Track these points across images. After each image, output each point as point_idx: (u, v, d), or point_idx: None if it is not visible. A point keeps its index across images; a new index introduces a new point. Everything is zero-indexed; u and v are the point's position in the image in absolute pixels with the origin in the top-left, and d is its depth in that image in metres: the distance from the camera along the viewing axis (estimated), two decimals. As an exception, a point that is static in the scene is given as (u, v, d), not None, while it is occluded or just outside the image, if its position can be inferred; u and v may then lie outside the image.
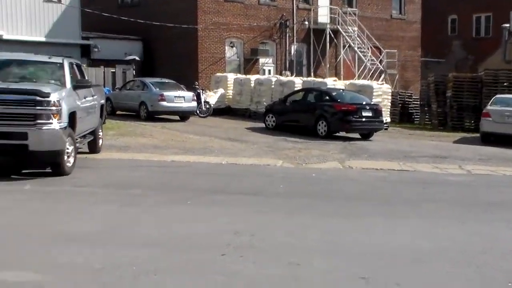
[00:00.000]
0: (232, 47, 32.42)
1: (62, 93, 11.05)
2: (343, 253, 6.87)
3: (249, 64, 32.94)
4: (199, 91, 25.86)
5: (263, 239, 7.35)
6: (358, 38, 35.07)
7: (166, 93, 23.64)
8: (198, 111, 25.46)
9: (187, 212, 8.82)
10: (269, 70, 33.84)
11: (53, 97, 10.54)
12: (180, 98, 23.93)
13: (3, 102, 10.34)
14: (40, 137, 10.38)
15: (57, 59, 12.66)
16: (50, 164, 11.13)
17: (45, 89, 10.73)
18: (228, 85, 28.26)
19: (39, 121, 10.38)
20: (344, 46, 35.06)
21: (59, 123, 10.59)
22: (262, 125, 22.57)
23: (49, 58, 12.91)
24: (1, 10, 29.48)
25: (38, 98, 10.39)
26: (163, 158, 14.12)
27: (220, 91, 27.95)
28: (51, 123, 10.47)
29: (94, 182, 10.89)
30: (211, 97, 27.24)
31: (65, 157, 10.97)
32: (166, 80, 25.56)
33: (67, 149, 10.98)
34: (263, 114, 23.20)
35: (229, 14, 31.68)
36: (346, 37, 34.71)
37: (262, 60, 33.49)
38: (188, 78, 27.97)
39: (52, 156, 10.76)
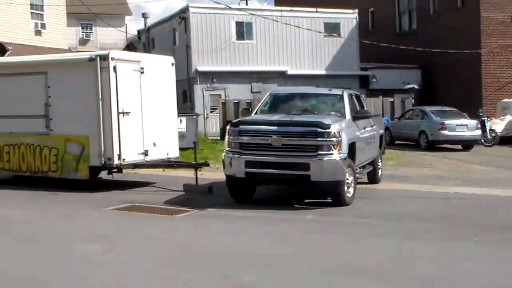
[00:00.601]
0: (520, 70, 30.09)
1: (342, 124, 11.13)
2: None
3: (541, 87, 30.22)
4: (483, 118, 24.42)
5: None
6: None
7: (447, 122, 22.83)
8: (482, 140, 24.03)
9: (472, 249, 8.11)
10: None
11: (334, 128, 10.64)
12: (462, 126, 22.91)
13: (287, 134, 10.72)
14: (321, 167, 10.52)
15: (337, 91, 12.84)
16: (331, 194, 11.24)
17: (326, 120, 10.90)
18: (517, 111, 26.24)
19: (320, 152, 10.54)
20: None
21: (339, 153, 10.64)
22: (558, 154, 20.39)
23: (329, 90, 13.19)
24: (286, 48, 31.40)
25: (319, 129, 10.58)
26: (445, 189, 13.41)
27: (508, 118, 26.01)
28: (332, 154, 10.56)
29: (374, 213, 10.70)
30: (498, 125, 25.52)
31: (345, 188, 10.97)
32: (447, 108, 24.66)
33: (347, 179, 10.97)
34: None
35: (517, 35, 29.51)
36: None
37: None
38: (471, 105, 26.58)
39: (333, 186, 10.84)
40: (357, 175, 11.75)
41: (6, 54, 22.36)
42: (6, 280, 6.55)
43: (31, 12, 29.27)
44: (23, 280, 6.56)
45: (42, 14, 29.76)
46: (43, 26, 29.53)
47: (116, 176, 14.02)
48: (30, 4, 29.17)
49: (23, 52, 21.18)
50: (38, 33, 29.32)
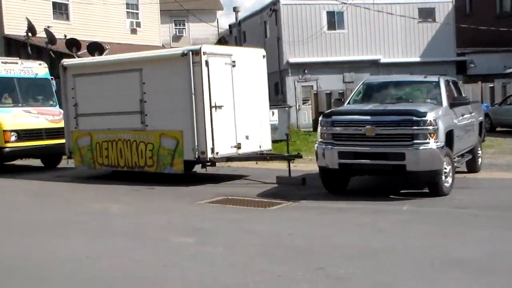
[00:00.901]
0: None
1: (439, 112, 10.75)
2: None
3: None
4: None
5: None
6: None
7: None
8: None
9: None
10: None
11: (430, 117, 10.30)
12: None
13: (381, 124, 10.47)
14: (417, 157, 10.21)
15: (433, 78, 12.45)
16: (428, 184, 10.89)
17: (421, 108, 10.57)
18: None
19: (416, 141, 10.23)
20: None
21: (436, 142, 10.28)
22: None
23: (425, 77, 12.80)
24: (378, 36, 30.80)
25: (414, 118, 10.27)
26: (551, 178, 12.70)
27: None
28: (428, 143, 10.23)
29: (474, 203, 10.25)
30: None
31: (443, 177, 10.60)
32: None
33: (445, 169, 10.60)
34: None
35: None
36: None
37: None
38: None
39: (430, 176, 10.50)
40: (455, 164, 11.34)
41: (104, 53, 23.15)
42: (104, 273, 6.74)
43: (127, 12, 30.24)
44: (120, 272, 6.72)
45: (137, 13, 30.69)
46: (138, 24, 30.44)
47: (210, 170, 14.20)
48: (126, 4, 30.15)
49: (120, 50, 21.90)
50: (133, 31, 30.27)
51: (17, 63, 18.12)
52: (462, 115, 12.17)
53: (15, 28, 25.73)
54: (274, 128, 17.86)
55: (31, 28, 24.76)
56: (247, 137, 13.72)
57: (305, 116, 29.48)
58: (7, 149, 16.29)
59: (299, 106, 29.88)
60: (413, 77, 14.16)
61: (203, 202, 11.15)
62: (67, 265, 7.04)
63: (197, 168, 14.34)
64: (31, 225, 9.58)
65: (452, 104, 11.69)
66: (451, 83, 12.87)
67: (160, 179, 13.69)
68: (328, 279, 6.24)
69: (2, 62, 17.80)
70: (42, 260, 7.35)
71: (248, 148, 13.82)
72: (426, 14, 31.12)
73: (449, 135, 10.89)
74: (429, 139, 10.23)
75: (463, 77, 29.74)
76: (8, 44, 26.44)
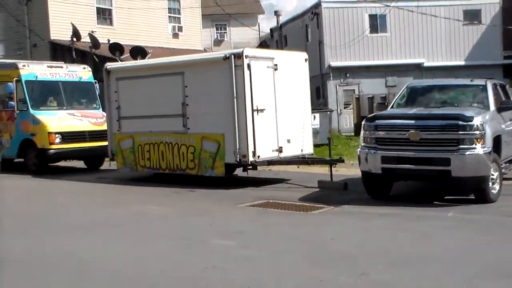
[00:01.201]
0: None
1: (486, 117, 10.49)
2: None
3: None
4: None
5: None
6: None
7: None
8: None
9: None
10: None
11: (476, 121, 10.05)
12: None
13: (425, 128, 10.27)
14: (463, 162, 9.96)
15: (479, 82, 12.16)
16: (474, 191, 10.62)
17: (468, 113, 10.33)
18: None
19: (461, 146, 9.99)
20: None
21: (483, 148, 10.03)
22: None
23: (471, 80, 12.52)
24: (422, 39, 30.40)
25: (460, 122, 10.04)
26: None
27: None
28: (475, 148, 9.98)
29: (522, 211, 9.97)
30: None
31: (490, 184, 10.33)
32: None
33: (492, 175, 10.32)
34: None
35: None
36: None
37: None
38: None
39: (476, 182, 10.24)
40: (503, 170, 11.05)
41: (147, 57, 23.36)
42: (145, 274, 6.75)
43: (169, 16, 30.51)
44: (162, 273, 6.72)
45: (179, 18, 30.92)
46: (180, 29, 30.66)
47: (251, 173, 14.17)
48: (168, 8, 30.43)
49: (162, 54, 22.08)
50: (175, 35, 30.50)
51: (62, 67, 18.43)
52: (511, 120, 11.87)
53: (61, 34, 26.16)
54: (315, 132, 17.72)
55: (75, 33, 25.15)
56: (288, 141, 13.63)
57: (346, 120, 29.25)
58: (51, 150, 16.59)
59: (340, 110, 29.65)
60: (459, 80, 13.87)
61: (244, 205, 11.11)
62: (108, 266, 7.08)
63: (238, 172, 14.33)
64: (73, 226, 9.66)
65: (500, 109, 11.42)
66: (498, 87, 12.56)
67: (201, 182, 13.71)
68: (371, 285, 6.13)
69: (48, 66, 18.14)
70: (85, 260, 7.40)
71: (289, 151, 13.73)
72: (472, 16, 30.58)
73: (497, 140, 10.62)
74: (476, 144, 9.99)
75: (511, 81, 29.09)
76: (54, 49, 26.91)
